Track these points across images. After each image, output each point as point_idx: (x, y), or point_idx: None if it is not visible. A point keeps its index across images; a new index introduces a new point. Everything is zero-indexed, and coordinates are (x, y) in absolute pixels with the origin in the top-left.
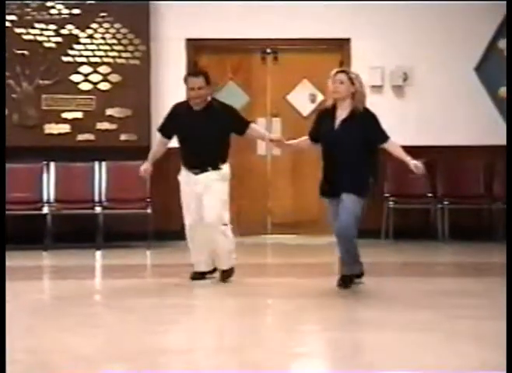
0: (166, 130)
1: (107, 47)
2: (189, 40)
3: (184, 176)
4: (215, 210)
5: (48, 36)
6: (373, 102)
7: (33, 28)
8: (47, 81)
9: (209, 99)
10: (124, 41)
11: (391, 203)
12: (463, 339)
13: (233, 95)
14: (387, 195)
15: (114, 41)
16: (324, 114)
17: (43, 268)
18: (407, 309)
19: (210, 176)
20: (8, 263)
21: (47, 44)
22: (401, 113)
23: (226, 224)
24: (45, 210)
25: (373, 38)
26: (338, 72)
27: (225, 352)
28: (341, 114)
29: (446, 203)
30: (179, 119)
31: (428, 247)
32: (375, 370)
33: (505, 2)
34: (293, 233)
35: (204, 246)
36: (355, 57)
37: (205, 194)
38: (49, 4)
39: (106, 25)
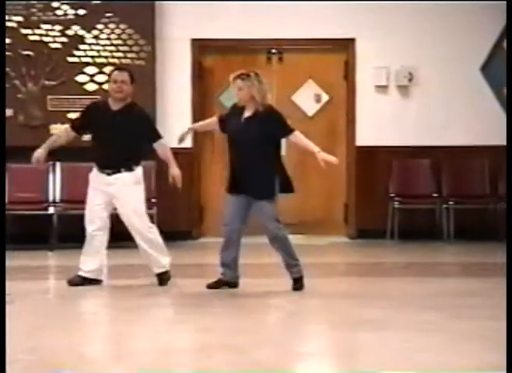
0: (77, 126)
1: (113, 48)
2: (194, 40)
3: (96, 177)
4: (139, 215)
5: (54, 37)
6: (378, 103)
7: (39, 28)
8: (52, 82)
9: (130, 100)
10: (129, 42)
11: (396, 203)
12: (467, 340)
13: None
14: (392, 195)
15: (120, 42)
16: (236, 110)
17: (49, 268)
18: (411, 309)
19: (123, 177)
20: (13, 262)
21: (52, 45)
22: (407, 113)
23: (151, 227)
24: (51, 210)
25: (378, 38)
26: (234, 78)
27: (231, 351)
28: (247, 113)
29: (451, 203)
30: (94, 117)
31: (433, 247)
32: (380, 370)
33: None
34: (298, 233)
35: (97, 254)
36: (360, 57)
37: (122, 199)
38: (55, 4)
39: (111, 25)
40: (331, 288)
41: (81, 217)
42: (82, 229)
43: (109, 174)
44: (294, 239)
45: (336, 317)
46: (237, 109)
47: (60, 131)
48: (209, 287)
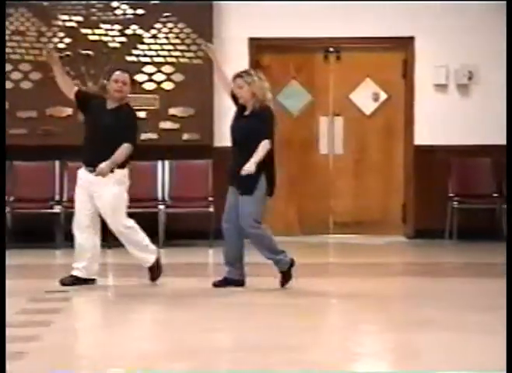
0: (82, 95)
1: (171, 47)
2: (252, 40)
3: (82, 174)
4: (115, 214)
5: (113, 37)
6: (437, 101)
7: (99, 28)
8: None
9: (125, 101)
10: (187, 41)
11: (455, 203)
12: None
13: (295, 95)
14: (451, 195)
15: (178, 41)
16: (240, 107)
17: (108, 266)
18: (468, 310)
19: (103, 178)
20: (73, 260)
21: (111, 44)
22: (467, 112)
23: (129, 227)
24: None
25: (438, 36)
26: (235, 77)
27: (284, 350)
28: (247, 112)
29: None
30: (92, 108)
31: (492, 247)
32: (434, 370)
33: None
34: (355, 233)
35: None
36: (419, 56)
37: (100, 198)
38: (114, 4)
39: (169, 25)
40: (389, 288)
41: (139, 215)
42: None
43: (91, 171)
44: (352, 239)
45: (394, 317)
46: (241, 106)
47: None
48: (215, 285)
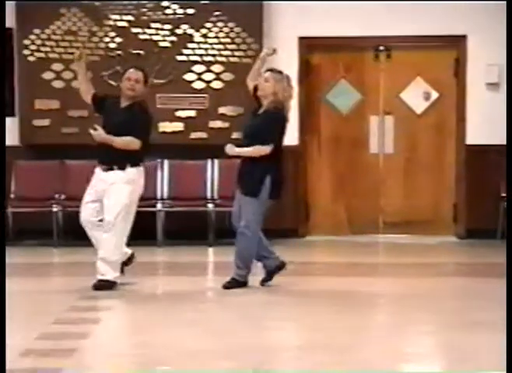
0: (98, 98)
1: (221, 46)
2: (301, 39)
3: (96, 172)
4: (115, 210)
5: (163, 36)
6: (489, 100)
7: (149, 28)
8: (161, 80)
9: (139, 99)
10: (237, 40)
11: (506, 203)
12: None
13: (345, 93)
14: (503, 195)
15: (228, 40)
16: (257, 104)
17: (156, 264)
18: None
19: (114, 175)
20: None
21: (162, 44)
22: None
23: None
24: (158, 207)
25: (490, 34)
26: (267, 70)
27: (334, 350)
28: (261, 109)
29: None
30: (107, 108)
31: None
32: (485, 372)
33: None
34: (405, 232)
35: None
36: (472, 54)
37: (108, 196)
38: (164, 4)
39: (220, 24)
40: (440, 289)
41: (188, 214)
42: (189, 226)
43: (104, 170)
44: (402, 239)
45: (445, 318)
46: (258, 106)
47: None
48: (225, 287)
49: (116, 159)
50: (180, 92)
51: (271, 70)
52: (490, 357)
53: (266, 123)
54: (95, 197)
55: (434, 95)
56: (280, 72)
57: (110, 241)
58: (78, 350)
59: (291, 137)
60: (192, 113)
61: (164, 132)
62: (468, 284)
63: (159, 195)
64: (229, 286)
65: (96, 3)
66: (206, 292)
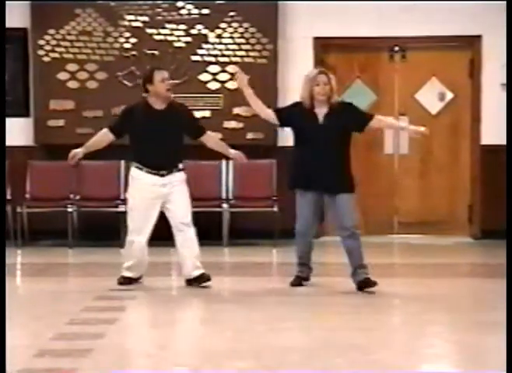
0: (118, 129)
1: (235, 47)
2: (316, 39)
3: (144, 178)
4: (189, 210)
5: (178, 36)
6: (504, 101)
7: (164, 28)
8: (176, 81)
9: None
10: (252, 40)
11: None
12: None
13: (360, 94)
14: None
15: (242, 40)
16: (300, 108)
17: (172, 264)
18: None
19: (175, 177)
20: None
21: (176, 44)
22: None
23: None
24: None
25: (506, 35)
26: (318, 73)
27: (349, 351)
28: (322, 110)
29: None
30: (136, 119)
31: None
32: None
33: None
34: (420, 233)
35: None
36: (487, 55)
37: (172, 195)
38: (179, 4)
39: (234, 24)
40: (455, 289)
41: (203, 214)
42: (204, 226)
43: (163, 175)
44: (417, 239)
45: (460, 318)
46: (299, 108)
47: (99, 135)
48: (292, 284)
49: (174, 162)
50: (194, 93)
51: (322, 72)
52: (504, 358)
53: (355, 108)
54: (156, 210)
55: (449, 95)
56: (324, 70)
57: (195, 238)
58: (93, 350)
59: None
60: (207, 114)
61: None
62: (483, 284)
63: None
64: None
65: (111, 3)
66: (221, 292)
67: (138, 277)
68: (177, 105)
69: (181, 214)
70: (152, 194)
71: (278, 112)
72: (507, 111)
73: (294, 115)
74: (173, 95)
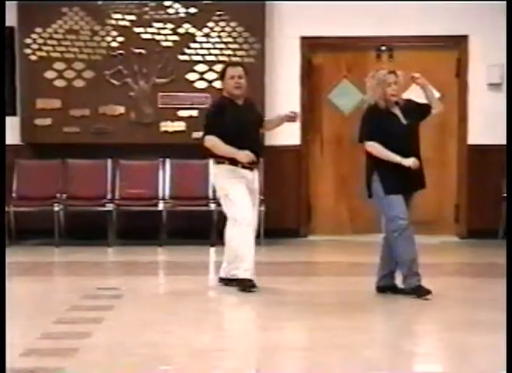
0: (217, 130)
1: (223, 46)
2: (304, 38)
3: (235, 172)
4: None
5: (165, 35)
6: (491, 101)
7: (151, 27)
8: (163, 80)
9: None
10: (239, 39)
11: (506, 203)
12: None
13: (347, 93)
14: (504, 195)
15: (230, 40)
16: (379, 109)
17: (159, 264)
18: None
19: (256, 172)
20: (124, 258)
21: (164, 43)
22: None
23: None
24: (160, 206)
25: (492, 34)
26: (390, 73)
27: (338, 350)
28: (395, 110)
29: None
30: (227, 114)
31: None
32: (491, 372)
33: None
34: None
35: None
36: (473, 55)
37: (254, 193)
38: (167, 3)
39: (222, 23)
40: (442, 288)
41: (190, 214)
42: (191, 225)
43: (252, 169)
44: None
45: (447, 318)
46: (379, 108)
47: (220, 143)
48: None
49: (260, 155)
50: (182, 92)
51: (392, 71)
52: (492, 357)
53: (416, 102)
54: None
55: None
56: (393, 71)
57: None
58: (80, 349)
59: (293, 136)
60: (194, 113)
61: (166, 131)
62: (470, 283)
63: (160, 195)
64: (419, 294)
65: (99, 2)
66: (209, 292)
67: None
68: (252, 100)
69: (255, 214)
70: (246, 187)
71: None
72: (507, 111)
73: (380, 118)
74: (240, 93)
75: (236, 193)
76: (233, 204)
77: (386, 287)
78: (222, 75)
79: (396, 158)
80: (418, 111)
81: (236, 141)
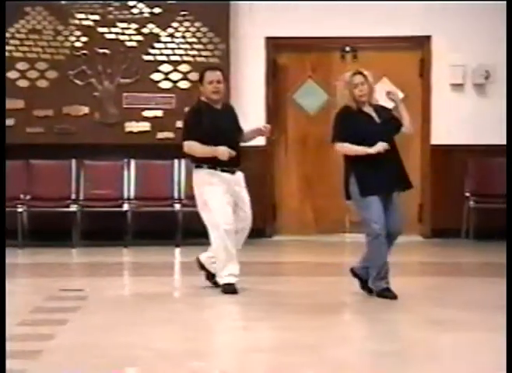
0: (195, 135)
1: (187, 46)
2: (268, 39)
3: (215, 176)
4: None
5: (130, 35)
6: (454, 101)
7: (115, 27)
8: (127, 80)
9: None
10: (204, 40)
11: (471, 202)
12: None
13: (311, 93)
14: (467, 194)
15: (194, 40)
16: (351, 114)
17: (124, 265)
18: (486, 310)
19: (239, 175)
20: (89, 259)
21: (128, 43)
22: (484, 112)
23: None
24: (125, 207)
25: (455, 35)
26: (354, 74)
27: (305, 350)
28: (368, 109)
29: None
30: (205, 119)
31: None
32: (455, 370)
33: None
34: None
35: (234, 254)
36: (436, 55)
37: (243, 198)
38: (131, 3)
39: (186, 24)
40: (406, 288)
41: (155, 214)
42: (156, 226)
43: (233, 172)
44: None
45: (412, 317)
46: (351, 109)
47: (198, 146)
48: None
49: (238, 159)
50: (146, 92)
51: (358, 72)
52: (458, 355)
53: (389, 111)
54: (230, 204)
55: (400, 95)
56: (359, 71)
57: None
58: (44, 351)
59: (258, 137)
60: (159, 113)
61: (131, 132)
62: (434, 283)
63: (125, 195)
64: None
65: (62, 2)
66: (174, 292)
67: None
68: (230, 105)
69: (248, 215)
70: (225, 190)
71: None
72: (507, 111)
73: (351, 118)
74: (216, 97)
75: (213, 199)
76: (210, 211)
77: (357, 276)
78: (200, 79)
79: (365, 150)
80: (392, 123)
81: (215, 145)
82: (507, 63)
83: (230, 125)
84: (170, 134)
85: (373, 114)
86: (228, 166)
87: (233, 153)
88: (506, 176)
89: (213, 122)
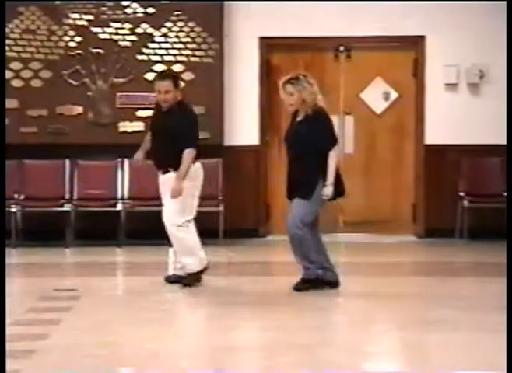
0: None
1: (181, 46)
2: (262, 39)
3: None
4: (175, 212)
5: (123, 35)
6: (447, 101)
7: (109, 27)
8: (121, 80)
9: (177, 99)
10: (197, 40)
11: (465, 202)
12: None
13: None
14: (461, 194)
15: (188, 40)
16: (292, 115)
17: (117, 264)
18: (479, 310)
19: (171, 177)
20: (82, 258)
21: (122, 43)
22: (478, 111)
23: (179, 225)
24: (119, 206)
25: (449, 35)
26: (285, 83)
27: (296, 350)
28: (299, 117)
29: None
30: (152, 119)
31: (503, 247)
32: (446, 370)
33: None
34: (365, 232)
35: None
36: (430, 55)
37: (167, 197)
38: (125, 3)
39: (180, 23)
40: (399, 288)
41: (148, 214)
42: (150, 226)
43: (163, 173)
44: (361, 238)
45: (404, 317)
46: (294, 114)
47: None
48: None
49: (170, 162)
50: (140, 92)
51: (289, 82)
52: (447, 355)
53: (323, 127)
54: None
55: (393, 95)
56: (297, 79)
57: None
58: (37, 351)
59: (251, 137)
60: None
61: (125, 132)
62: (427, 283)
63: (119, 195)
64: (300, 287)
65: (56, 2)
66: (168, 292)
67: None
68: (178, 108)
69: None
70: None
71: None
72: (507, 111)
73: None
74: (165, 105)
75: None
76: None
77: (323, 281)
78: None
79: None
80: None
81: (151, 145)
82: (507, 63)
83: (162, 129)
84: None
85: (297, 119)
86: (156, 166)
87: (140, 162)
88: (507, 176)
89: (153, 123)
